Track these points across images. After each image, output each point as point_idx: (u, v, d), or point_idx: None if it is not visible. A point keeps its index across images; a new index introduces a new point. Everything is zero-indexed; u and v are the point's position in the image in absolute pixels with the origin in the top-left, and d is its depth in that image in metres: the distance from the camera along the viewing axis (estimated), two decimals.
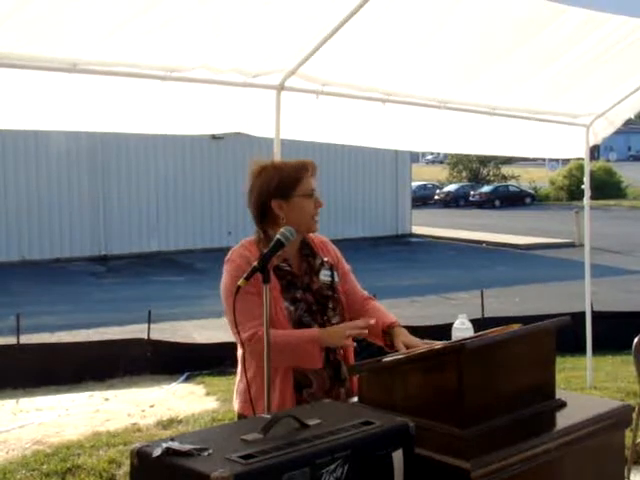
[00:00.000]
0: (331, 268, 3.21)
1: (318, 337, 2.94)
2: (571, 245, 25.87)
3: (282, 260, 3.05)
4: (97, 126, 4.69)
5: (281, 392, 2.98)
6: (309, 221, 3.09)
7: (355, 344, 3.13)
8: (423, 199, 46.84)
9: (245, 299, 2.84)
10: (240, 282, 2.72)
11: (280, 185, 3.07)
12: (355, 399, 2.88)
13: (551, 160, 57.31)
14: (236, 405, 3.13)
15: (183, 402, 8.37)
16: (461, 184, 50.95)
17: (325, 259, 3.22)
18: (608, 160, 61.13)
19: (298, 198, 3.07)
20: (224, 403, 7.78)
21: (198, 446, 2.05)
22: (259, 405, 2.83)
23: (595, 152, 51.77)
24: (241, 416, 3.06)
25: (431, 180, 54.39)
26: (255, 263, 2.76)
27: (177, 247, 25.75)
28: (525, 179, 52.99)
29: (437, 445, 2.40)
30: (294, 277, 3.09)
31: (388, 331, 3.17)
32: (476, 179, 52.71)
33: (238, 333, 2.89)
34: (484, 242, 28.29)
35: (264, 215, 3.12)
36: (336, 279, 3.21)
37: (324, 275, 3.17)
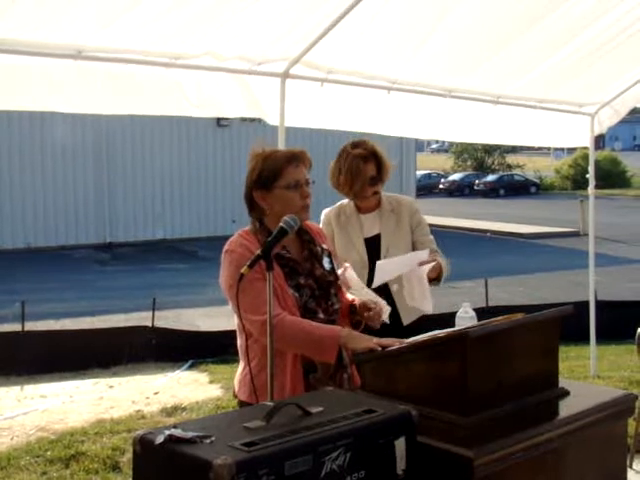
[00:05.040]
0: (330, 255, 3.23)
1: (341, 336, 2.90)
2: (576, 234, 25.84)
3: (281, 247, 3.03)
4: (100, 109, 4.68)
5: (292, 378, 2.99)
6: (297, 212, 2.98)
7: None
8: (428, 188, 46.76)
9: (254, 286, 2.84)
10: (243, 270, 2.71)
11: (261, 176, 3.04)
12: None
13: (556, 149, 57.26)
14: (240, 394, 3.12)
15: (187, 389, 8.39)
16: (466, 173, 50.88)
17: (324, 246, 3.23)
18: (613, 149, 61.00)
19: (279, 190, 3.02)
20: (228, 391, 7.79)
21: (200, 433, 2.05)
22: (266, 393, 2.82)
23: (600, 141, 51.65)
24: (246, 404, 3.04)
25: (436, 169, 54.34)
26: (258, 251, 2.76)
27: (182, 235, 25.75)
28: (530, 168, 52.89)
29: (440, 433, 2.40)
30: (296, 264, 3.08)
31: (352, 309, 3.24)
32: (481, 168, 52.61)
33: (250, 320, 2.89)
34: (489, 231, 28.26)
35: (251, 205, 3.12)
36: (336, 267, 3.24)
37: (326, 262, 3.18)
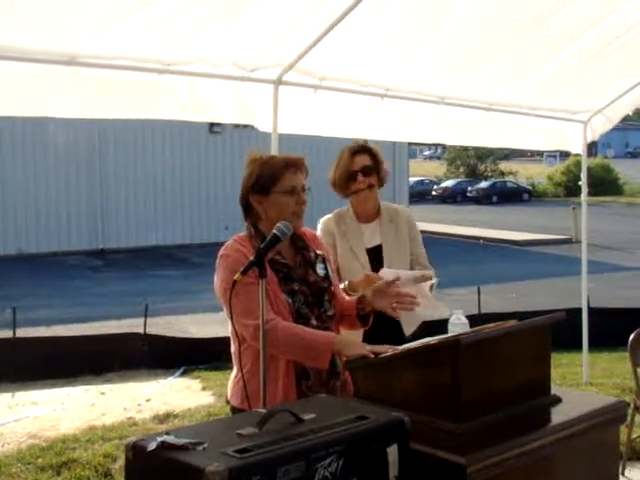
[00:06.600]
0: (324, 261, 3.23)
1: (335, 342, 2.92)
2: (568, 241, 25.91)
3: (276, 253, 3.04)
4: (93, 113, 4.67)
5: (284, 385, 2.99)
6: (290, 218, 3.00)
7: None
8: (421, 195, 46.84)
9: (249, 290, 2.84)
10: (236, 277, 2.73)
11: (259, 180, 3.06)
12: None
13: (549, 156, 57.31)
14: (232, 400, 3.12)
15: (179, 396, 8.37)
16: (459, 180, 51.00)
17: (319, 252, 3.23)
18: (606, 157, 61.10)
19: (276, 195, 3.04)
20: (220, 398, 7.77)
21: (193, 440, 2.05)
22: (258, 399, 2.83)
23: (593, 148, 51.78)
24: (238, 411, 3.05)
25: (429, 176, 54.46)
26: (251, 257, 2.76)
27: (174, 242, 25.72)
28: (523, 175, 53.06)
29: (432, 440, 2.40)
30: (290, 269, 3.09)
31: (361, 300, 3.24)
32: (474, 175, 52.75)
33: (243, 324, 2.90)
34: (481, 238, 28.30)
35: (247, 209, 3.13)
36: (330, 272, 3.23)
37: (320, 268, 3.18)
